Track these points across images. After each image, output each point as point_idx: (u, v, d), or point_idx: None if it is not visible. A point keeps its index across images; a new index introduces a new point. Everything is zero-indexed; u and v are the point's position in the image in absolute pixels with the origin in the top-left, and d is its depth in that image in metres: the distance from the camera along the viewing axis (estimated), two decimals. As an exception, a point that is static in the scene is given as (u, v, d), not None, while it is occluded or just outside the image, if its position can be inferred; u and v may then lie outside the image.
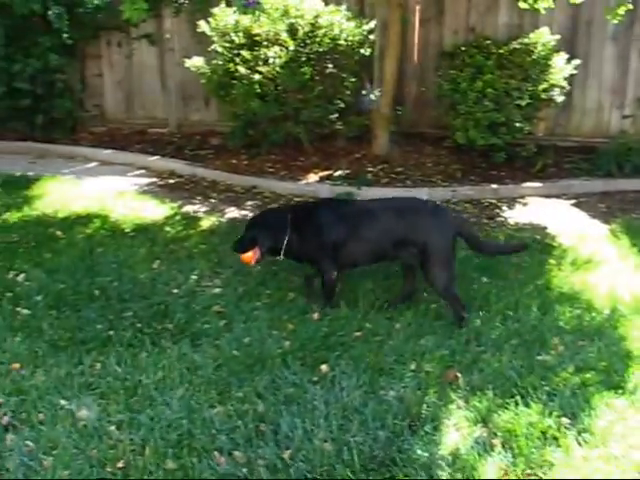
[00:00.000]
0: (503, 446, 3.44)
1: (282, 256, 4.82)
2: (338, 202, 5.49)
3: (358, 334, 4.49)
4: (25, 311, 4.78)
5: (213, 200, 7.53)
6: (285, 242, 4.72)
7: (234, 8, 8.09)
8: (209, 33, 8.25)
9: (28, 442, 3.47)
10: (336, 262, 4.78)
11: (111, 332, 4.48)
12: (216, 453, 3.39)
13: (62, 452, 3.38)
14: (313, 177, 8.06)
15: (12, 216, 6.75)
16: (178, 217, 6.80)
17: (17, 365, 4.11)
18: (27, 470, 3.30)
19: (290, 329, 4.53)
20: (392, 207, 4.91)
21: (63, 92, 9.99)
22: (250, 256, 4.76)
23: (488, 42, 8.29)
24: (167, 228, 6.43)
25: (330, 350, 4.27)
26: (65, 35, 9.57)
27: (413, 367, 4.12)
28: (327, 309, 4.79)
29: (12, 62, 9.50)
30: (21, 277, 5.31)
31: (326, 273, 4.84)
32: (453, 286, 4.71)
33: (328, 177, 7.99)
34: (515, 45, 8.09)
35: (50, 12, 9.31)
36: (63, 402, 3.77)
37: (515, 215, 7.16)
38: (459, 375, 4.03)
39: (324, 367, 4.08)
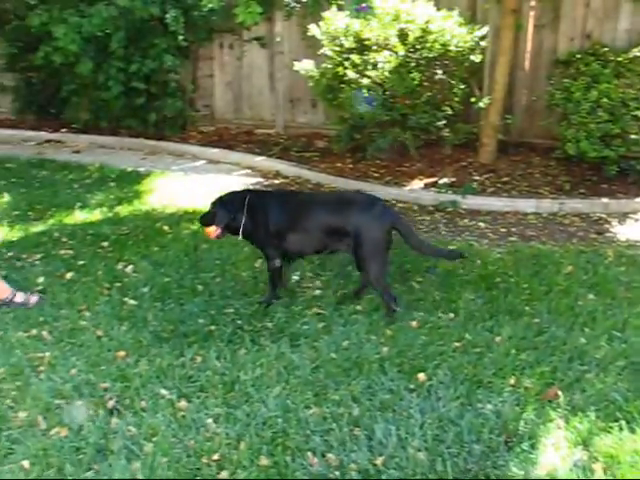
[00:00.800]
0: (604, 472, 3.31)
1: (240, 237, 4.96)
2: (289, 193, 5.51)
3: (457, 344, 4.42)
4: (132, 301, 4.96)
5: (316, 202, 7.56)
6: (242, 224, 4.84)
7: (345, 12, 8.15)
8: (319, 37, 8.32)
9: (131, 427, 3.59)
10: (280, 250, 4.89)
11: (212, 327, 4.59)
12: (309, 454, 3.40)
13: (162, 440, 3.49)
14: (418, 184, 8.00)
15: (123, 209, 7.02)
16: (281, 217, 6.86)
17: (122, 353, 4.27)
18: (129, 454, 3.42)
19: (388, 335, 4.51)
20: (330, 199, 5.10)
21: (175, 92, 10.31)
22: (212, 231, 4.93)
23: (606, 49, 8.03)
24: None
25: (428, 359, 4.22)
26: (180, 37, 9.92)
27: (512, 382, 4.01)
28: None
29: (130, 63, 9.89)
30: (129, 268, 5.51)
31: (269, 260, 4.96)
32: (384, 277, 4.78)
33: (433, 184, 7.91)
34: (636, 52, 7.79)
35: (167, 15, 9.66)
36: (164, 392, 3.88)
37: (626, 231, 6.88)
38: (560, 393, 3.89)
39: (421, 375, 4.03)
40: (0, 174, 8.19)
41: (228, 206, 4.90)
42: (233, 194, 5.10)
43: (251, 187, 5.39)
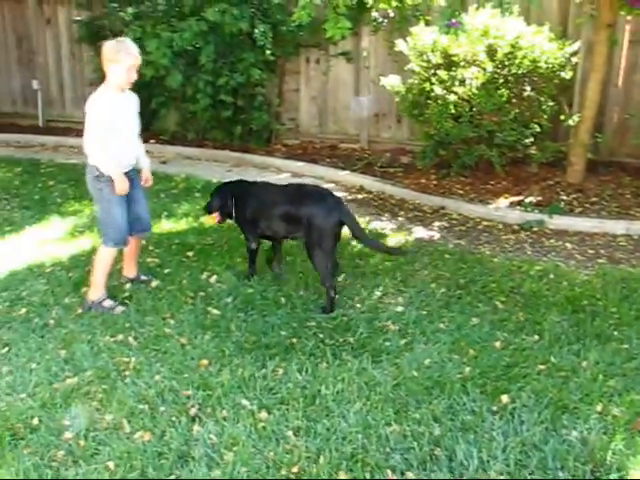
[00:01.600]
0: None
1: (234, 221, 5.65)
2: (263, 184, 5.88)
3: (542, 367, 4.31)
4: (215, 311, 5.03)
5: (401, 218, 7.56)
6: (233, 210, 5.49)
7: (432, 27, 8.11)
8: (406, 52, 8.31)
9: (212, 435, 3.64)
10: (255, 233, 5.44)
11: (294, 340, 4.62)
12: (389, 471, 3.37)
13: (242, 449, 3.51)
14: (503, 202, 7.86)
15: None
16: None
17: (205, 362, 4.34)
18: (210, 461, 3.46)
19: (471, 355, 4.44)
20: (291, 190, 5.49)
21: (262, 105, 10.46)
22: (214, 217, 5.67)
23: None
24: (354, 242, 6.49)
25: (511, 381, 4.13)
26: (268, 52, 10.06)
27: (599, 409, 3.88)
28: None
29: (218, 76, 10.10)
30: (213, 278, 5.60)
31: (247, 242, 5.56)
32: (326, 265, 5.06)
33: (518, 203, 7.75)
34: None
35: (256, 30, 9.83)
36: (245, 402, 3.92)
37: None
38: (652, 424, 3.75)
39: (504, 398, 3.94)
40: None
41: (220, 194, 5.58)
42: (225, 184, 5.75)
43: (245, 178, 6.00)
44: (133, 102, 5.21)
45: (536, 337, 4.71)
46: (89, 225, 6.90)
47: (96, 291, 5.16)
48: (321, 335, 4.68)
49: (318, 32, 9.47)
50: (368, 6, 8.74)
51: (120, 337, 4.67)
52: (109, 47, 4.97)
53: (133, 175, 5.26)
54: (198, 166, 9.74)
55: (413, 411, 3.84)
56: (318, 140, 10.80)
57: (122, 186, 4.99)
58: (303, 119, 10.96)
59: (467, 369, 4.26)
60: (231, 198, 5.50)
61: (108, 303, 5.13)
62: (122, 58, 4.91)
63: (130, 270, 5.57)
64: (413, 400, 3.94)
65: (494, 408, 3.88)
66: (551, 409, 3.87)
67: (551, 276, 5.79)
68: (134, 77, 5.03)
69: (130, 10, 10.38)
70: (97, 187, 5.05)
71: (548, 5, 8.73)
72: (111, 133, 4.96)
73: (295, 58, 10.72)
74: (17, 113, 13.43)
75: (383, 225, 7.24)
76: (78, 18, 11.84)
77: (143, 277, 5.59)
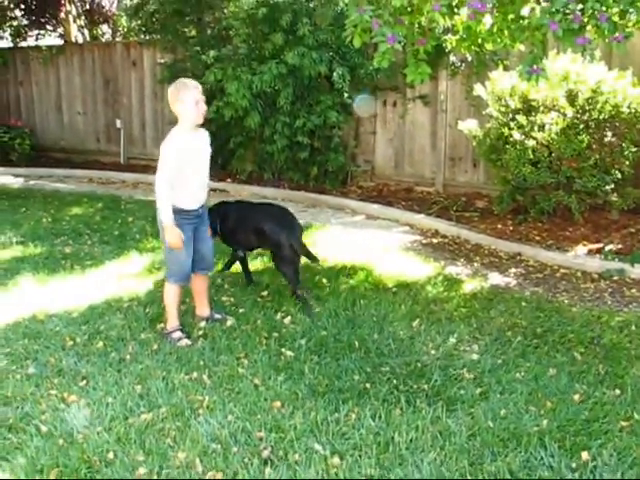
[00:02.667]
0: None
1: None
2: (239, 202, 6.64)
3: (624, 424, 4.13)
4: (289, 353, 5.03)
5: (476, 264, 7.45)
6: (218, 226, 6.10)
7: (510, 72, 8.07)
8: (484, 97, 8.29)
9: (284, 479, 3.60)
10: (237, 244, 6.31)
11: (368, 385, 4.55)
12: (463, 526, 3.28)
13: (314, 496, 3.48)
14: (581, 249, 7.68)
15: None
16: (440, 277, 6.79)
17: (278, 403, 4.32)
18: (280, 506, 3.44)
19: (549, 407, 4.30)
20: (260, 209, 6.37)
21: (338, 147, 10.58)
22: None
23: None
24: (429, 287, 6.45)
25: (592, 437, 3.98)
26: (345, 94, 10.18)
27: (688, 472, 3.71)
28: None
29: (296, 118, 10.27)
30: (287, 320, 5.61)
31: (233, 252, 6.49)
32: (288, 267, 5.97)
33: (598, 251, 7.56)
34: None
35: (334, 73, 9.97)
36: (318, 446, 3.87)
37: None
38: None
39: (584, 454, 3.79)
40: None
41: (213, 213, 5.96)
42: (218, 204, 6.32)
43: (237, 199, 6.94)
44: (205, 139, 5.34)
45: (617, 391, 4.53)
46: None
47: (169, 322, 5.37)
48: (395, 381, 4.61)
49: (395, 75, 9.61)
50: (447, 50, 8.77)
51: (195, 375, 4.70)
52: (171, 90, 5.14)
53: (202, 212, 5.37)
54: (273, 206, 9.85)
55: (488, 463, 3.73)
56: (393, 182, 10.82)
57: (173, 239, 5.08)
58: (378, 161, 11.01)
59: (544, 422, 4.12)
60: (217, 216, 6.04)
61: (176, 335, 5.27)
62: (186, 94, 5.05)
63: (202, 309, 5.65)
64: (488, 452, 3.83)
65: (573, 465, 3.73)
66: (636, 470, 3.69)
67: (633, 328, 5.60)
68: (204, 108, 5.18)
69: (212, 53, 10.68)
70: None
71: (632, 49, 8.55)
72: (188, 170, 5.12)
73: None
74: (100, 151, 13.99)
75: (458, 270, 7.15)
76: (161, 61, 12.26)
77: (217, 316, 5.64)
